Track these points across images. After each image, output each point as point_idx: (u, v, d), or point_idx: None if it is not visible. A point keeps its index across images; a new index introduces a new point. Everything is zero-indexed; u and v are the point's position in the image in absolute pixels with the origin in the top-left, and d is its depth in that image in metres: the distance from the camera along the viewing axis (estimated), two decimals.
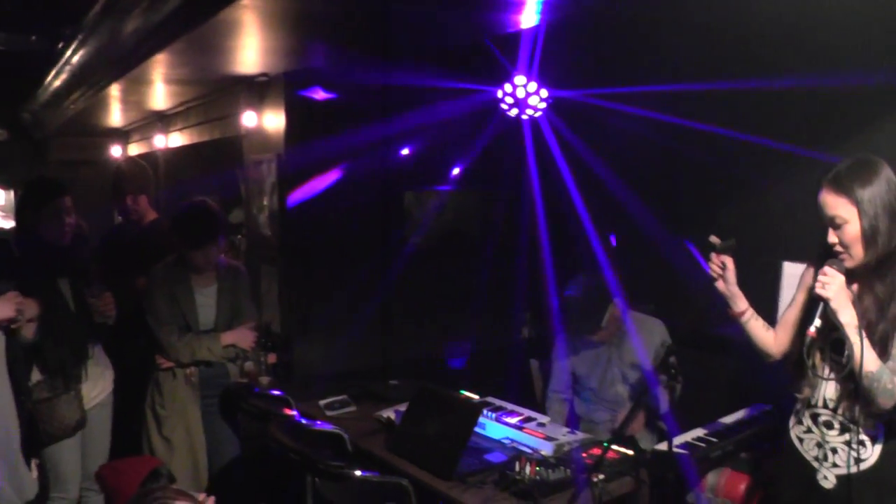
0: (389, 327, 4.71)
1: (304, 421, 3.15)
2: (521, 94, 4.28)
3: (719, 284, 2.63)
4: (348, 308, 4.58)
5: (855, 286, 2.39)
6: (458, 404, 2.97)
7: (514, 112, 4.36)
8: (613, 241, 4.65)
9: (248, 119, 4.93)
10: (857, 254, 2.33)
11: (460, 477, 2.74)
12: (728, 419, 3.39)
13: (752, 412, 3.53)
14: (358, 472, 2.67)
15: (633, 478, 2.87)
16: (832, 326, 2.32)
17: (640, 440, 3.51)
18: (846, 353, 2.29)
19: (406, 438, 3.02)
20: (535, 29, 3.98)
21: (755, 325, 2.67)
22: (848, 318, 2.28)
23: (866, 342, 2.26)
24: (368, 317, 4.59)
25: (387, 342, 4.65)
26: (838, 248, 2.34)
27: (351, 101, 4.68)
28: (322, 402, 3.61)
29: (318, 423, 3.20)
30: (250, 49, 4.18)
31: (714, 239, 2.62)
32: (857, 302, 2.35)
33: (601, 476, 2.74)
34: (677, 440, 3.16)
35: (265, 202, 4.89)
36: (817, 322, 2.31)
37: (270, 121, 4.87)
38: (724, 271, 2.61)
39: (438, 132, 4.64)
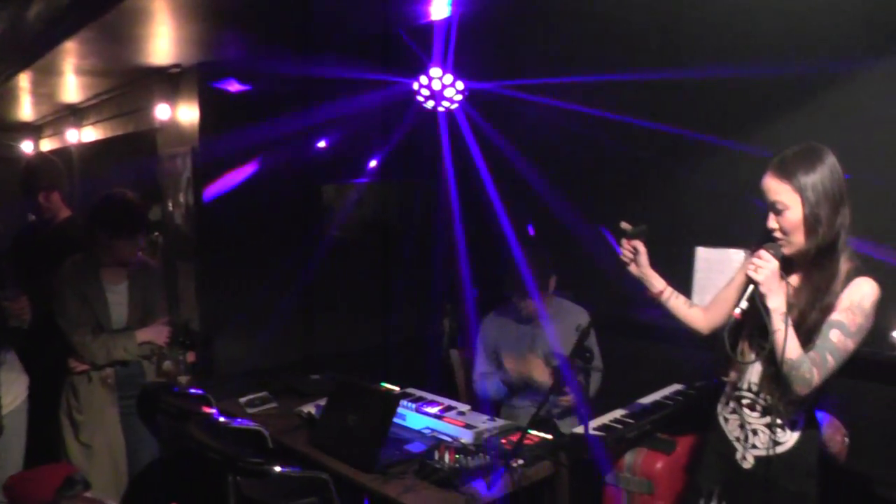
0: (310, 322, 4.69)
1: (223, 419, 3.10)
2: (436, 86, 4.29)
3: (632, 268, 2.69)
4: (268, 303, 4.53)
5: (795, 275, 2.43)
6: (376, 396, 2.95)
7: (430, 104, 4.37)
8: (531, 230, 4.72)
9: (162, 112, 4.83)
10: (797, 241, 2.34)
11: (381, 469, 2.75)
12: (645, 400, 3.49)
13: (669, 393, 3.64)
14: (278, 468, 2.64)
15: (552, 461, 2.91)
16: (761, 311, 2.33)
17: (562, 425, 3.57)
18: (769, 338, 2.31)
19: (326, 433, 3.00)
20: (448, 20, 4.00)
21: (677, 304, 2.72)
22: (776, 303, 2.29)
23: (791, 331, 2.27)
24: (288, 311, 4.56)
25: (307, 337, 4.62)
26: (778, 234, 2.35)
27: (267, 93, 4.63)
28: (242, 400, 3.57)
29: (238, 420, 3.15)
30: (162, 38, 4.09)
31: (625, 225, 2.67)
32: (796, 291, 2.39)
33: (520, 461, 2.79)
34: (595, 423, 3.24)
35: (181, 197, 4.79)
36: (743, 304, 2.33)
37: (184, 113, 4.77)
38: (636, 256, 2.68)
39: (356, 124, 4.63)
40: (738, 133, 3.73)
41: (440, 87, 4.30)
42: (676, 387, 3.69)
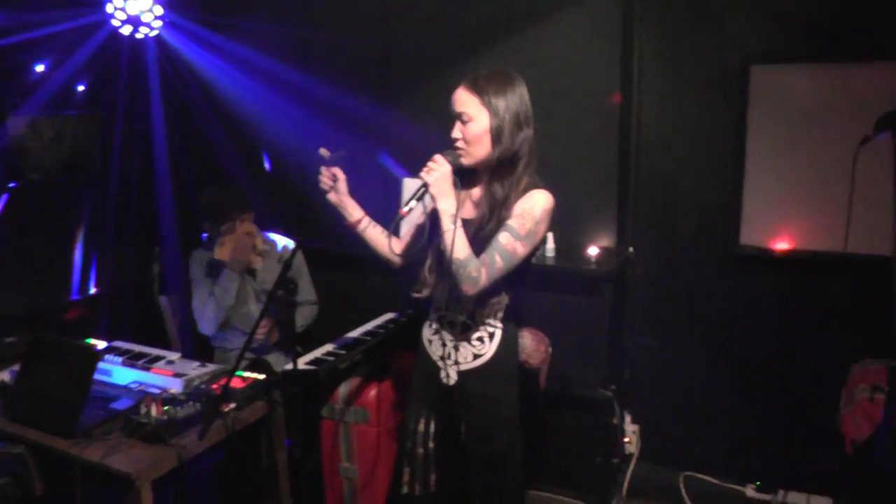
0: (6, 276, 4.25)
1: None
2: (132, 9, 4.00)
3: (331, 196, 2.67)
4: None
5: (477, 187, 2.59)
6: (74, 353, 2.72)
7: (126, 29, 4.07)
8: (268, 162, 4.63)
9: None
10: (477, 151, 2.47)
11: (83, 431, 2.59)
12: (355, 332, 3.61)
13: (382, 322, 3.79)
14: None
15: (266, 401, 2.93)
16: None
17: (276, 364, 3.62)
18: (440, 238, 2.44)
19: (22, 400, 2.75)
20: None
21: (373, 233, 2.76)
22: (445, 205, 2.40)
23: (460, 231, 2.40)
24: None
25: None
26: (460, 144, 2.48)
27: None
28: None
29: None
30: None
31: (324, 151, 2.64)
32: (477, 201, 2.56)
33: (232, 405, 2.78)
34: (307, 357, 3.31)
35: None
36: (412, 203, 2.43)
37: None
38: (335, 183, 2.66)
39: (45, 51, 4.17)
40: (445, 68, 3.92)
41: (137, 11, 4.01)
42: (389, 315, 3.85)
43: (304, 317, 3.88)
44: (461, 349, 2.62)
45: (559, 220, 3.82)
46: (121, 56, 4.35)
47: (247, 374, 3.00)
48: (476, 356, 2.61)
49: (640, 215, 4.01)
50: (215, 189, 3.76)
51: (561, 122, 3.86)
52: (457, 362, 2.63)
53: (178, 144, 4.48)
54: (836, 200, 3.15)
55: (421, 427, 2.74)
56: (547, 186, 2.53)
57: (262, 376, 3.00)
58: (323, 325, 3.88)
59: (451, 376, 2.65)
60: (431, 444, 2.73)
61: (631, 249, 4.01)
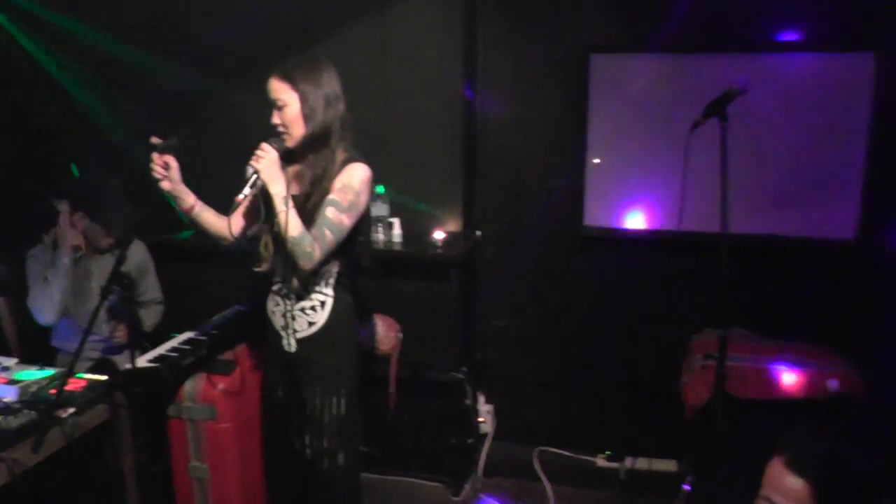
0: None
1: None
2: None
3: (164, 185, 2.68)
4: None
5: (299, 164, 2.74)
6: None
7: None
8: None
9: None
10: (297, 132, 2.65)
11: None
12: (201, 327, 3.47)
13: (230, 314, 3.68)
14: None
15: (109, 403, 2.76)
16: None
17: (121, 363, 3.41)
18: (275, 220, 2.60)
19: None
20: None
21: (207, 216, 2.81)
22: (276, 189, 2.57)
23: (293, 211, 2.56)
24: None
25: None
26: (281, 129, 2.65)
27: None
28: None
29: None
30: None
31: (155, 140, 2.64)
32: (300, 178, 2.72)
33: (71, 410, 2.59)
34: (150, 354, 3.17)
35: None
36: (247, 190, 2.57)
37: None
38: (168, 171, 2.66)
39: None
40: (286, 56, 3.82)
41: None
42: (237, 308, 3.74)
43: (151, 316, 3.70)
44: (298, 318, 2.79)
45: (406, 207, 3.88)
46: None
47: (87, 375, 2.82)
48: (310, 324, 2.79)
49: (487, 200, 4.08)
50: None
51: (405, 109, 3.87)
52: (295, 331, 2.81)
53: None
54: (672, 182, 3.33)
55: (279, 393, 2.94)
56: (363, 159, 2.71)
57: (103, 377, 2.82)
58: (172, 322, 3.69)
59: (291, 344, 2.83)
60: (289, 411, 2.92)
61: (478, 233, 4.07)
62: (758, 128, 3.59)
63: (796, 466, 1.53)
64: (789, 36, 3.57)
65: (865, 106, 3.51)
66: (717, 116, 2.71)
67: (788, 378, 3.21)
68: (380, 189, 3.83)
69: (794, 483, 1.53)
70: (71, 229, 3.39)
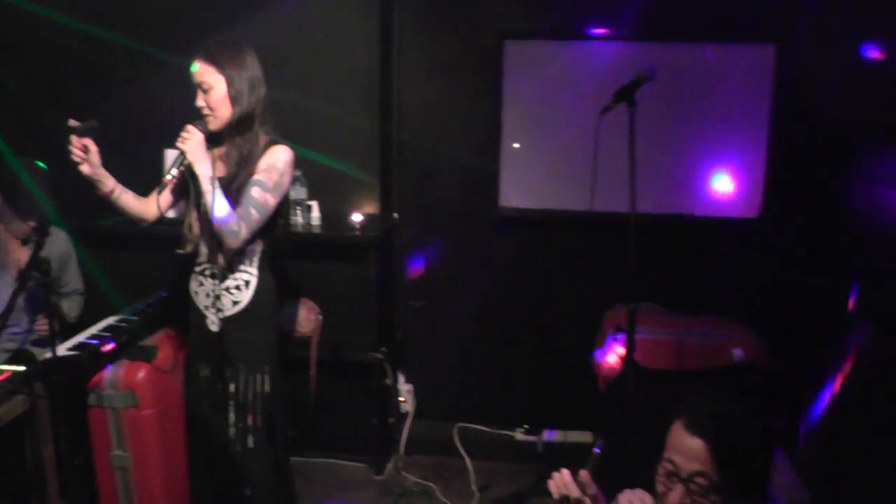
0: None
1: None
2: None
3: (84, 168, 2.65)
4: None
5: (224, 146, 2.76)
6: None
7: None
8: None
9: None
10: (222, 115, 2.68)
11: None
12: (121, 314, 3.41)
13: (152, 300, 3.63)
14: None
15: (28, 394, 2.71)
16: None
17: (41, 354, 3.33)
18: (202, 200, 2.66)
19: None
20: None
21: (126, 199, 2.82)
22: (202, 169, 2.64)
23: (219, 191, 2.62)
24: None
25: None
26: (206, 111, 2.68)
27: None
28: None
29: None
30: None
31: (73, 123, 2.60)
32: (226, 159, 2.75)
33: None
34: (70, 343, 3.11)
35: None
36: (173, 171, 2.64)
37: None
38: (87, 154, 2.63)
39: None
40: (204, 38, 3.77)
41: None
42: (160, 294, 3.70)
43: (74, 307, 3.61)
44: (222, 297, 2.81)
45: (324, 189, 3.90)
46: None
47: (4, 366, 2.75)
48: (235, 303, 2.81)
49: (404, 182, 4.14)
50: None
51: (322, 93, 3.87)
52: (219, 310, 2.82)
53: None
54: (584, 164, 3.46)
55: (203, 373, 2.94)
56: (285, 142, 2.77)
57: (21, 368, 2.76)
58: (96, 310, 3.61)
59: (215, 323, 2.84)
60: (213, 390, 2.92)
61: (396, 215, 4.13)
62: (666, 113, 3.77)
63: (695, 428, 1.62)
64: (697, 26, 3.76)
65: (767, 94, 3.74)
66: (625, 102, 2.84)
67: (695, 348, 3.40)
68: None
69: (694, 443, 1.61)
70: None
